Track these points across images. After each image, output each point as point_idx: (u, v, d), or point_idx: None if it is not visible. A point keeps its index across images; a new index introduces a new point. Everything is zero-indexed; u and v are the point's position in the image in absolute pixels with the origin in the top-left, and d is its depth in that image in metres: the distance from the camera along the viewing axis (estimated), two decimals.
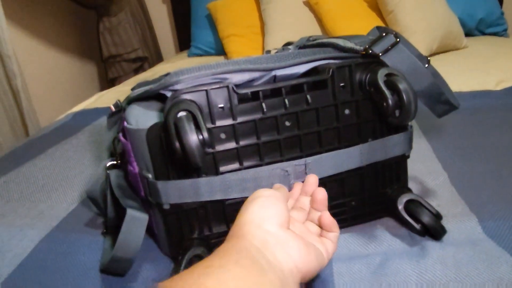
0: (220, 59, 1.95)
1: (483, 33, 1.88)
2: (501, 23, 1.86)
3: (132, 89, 0.63)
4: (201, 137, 0.44)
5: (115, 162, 0.61)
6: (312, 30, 1.76)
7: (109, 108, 0.64)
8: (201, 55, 2.08)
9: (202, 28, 2.08)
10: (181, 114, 0.45)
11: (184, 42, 2.37)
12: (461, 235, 0.53)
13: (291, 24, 1.75)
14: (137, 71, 2.25)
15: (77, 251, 0.60)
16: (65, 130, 1.15)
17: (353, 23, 1.63)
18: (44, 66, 1.97)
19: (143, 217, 0.54)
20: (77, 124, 1.17)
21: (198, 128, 0.44)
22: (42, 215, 0.70)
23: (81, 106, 1.38)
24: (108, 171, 0.61)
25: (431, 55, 1.56)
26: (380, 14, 1.65)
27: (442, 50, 1.60)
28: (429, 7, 1.55)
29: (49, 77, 1.99)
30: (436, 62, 1.46)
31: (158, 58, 2.42)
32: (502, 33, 1.87)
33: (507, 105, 0.98)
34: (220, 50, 1.99)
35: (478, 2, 1.81)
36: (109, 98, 1.45)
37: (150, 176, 0.51)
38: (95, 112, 1.27)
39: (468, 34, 1.84)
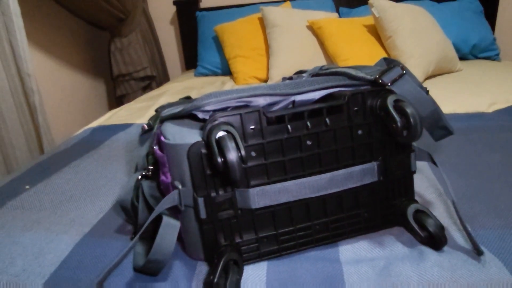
0: (226, 78, 2.04)
1: (477, 57, 1.99)
2: (493, 48, 1.97)
3: (156, 110, 0.70)
4: (239, 154, 0.51)
5: (146, 174, 0.68)
6: (314, 53, 1.86)
7: (128, 124, 0.70)
8: (207, 75, 2.17)
9: (208, 49, 2.18)
10: (222, 134, 0.52)
11: (190, 62, 2.47)
12: (455, 243, 0.61)
13: (294, 47, 1.84)
14: (145, 89, 2.33)
15: (111, 253, 0.66)
16: (85, 144, 1.21)
17: (353, 47, 1.73)
18: (59, 84, 2.05)
19: (176, 224, 0.61)
20: (96, 139, 1.24)
21: (236, 147, 0.52)
22: (74, 222, 0.76)
23: (97, 123, 1.45)
24: (141, 182, 0.68)
25: (427, 78, 1.66)
26: (379, 39, 1.75)
27: (437, 73, 1.70)
28: (425, 33, 1.66)
29: (62, 94, 2.08)
30: (432, 85, 1.56)
31: (165, 77, 2.51)
32: (495, 57, 1.98)
33: (498, 127, 1.07)
34: (226, 70, 2.09)
35: (471, 28, 1.93)
36: (122, 115, 1.52)
37: (185, 187, 0.58)
38: (112, 128, 1.34)
39: (462, 58, 1.95)
